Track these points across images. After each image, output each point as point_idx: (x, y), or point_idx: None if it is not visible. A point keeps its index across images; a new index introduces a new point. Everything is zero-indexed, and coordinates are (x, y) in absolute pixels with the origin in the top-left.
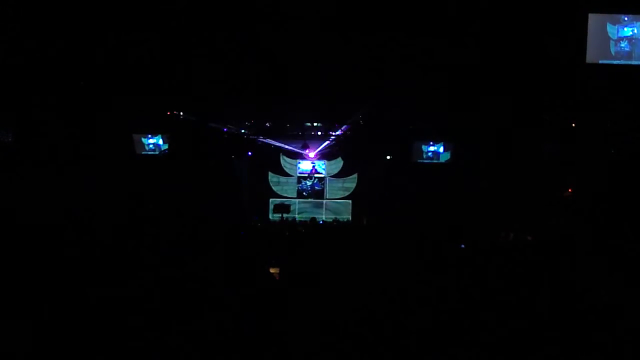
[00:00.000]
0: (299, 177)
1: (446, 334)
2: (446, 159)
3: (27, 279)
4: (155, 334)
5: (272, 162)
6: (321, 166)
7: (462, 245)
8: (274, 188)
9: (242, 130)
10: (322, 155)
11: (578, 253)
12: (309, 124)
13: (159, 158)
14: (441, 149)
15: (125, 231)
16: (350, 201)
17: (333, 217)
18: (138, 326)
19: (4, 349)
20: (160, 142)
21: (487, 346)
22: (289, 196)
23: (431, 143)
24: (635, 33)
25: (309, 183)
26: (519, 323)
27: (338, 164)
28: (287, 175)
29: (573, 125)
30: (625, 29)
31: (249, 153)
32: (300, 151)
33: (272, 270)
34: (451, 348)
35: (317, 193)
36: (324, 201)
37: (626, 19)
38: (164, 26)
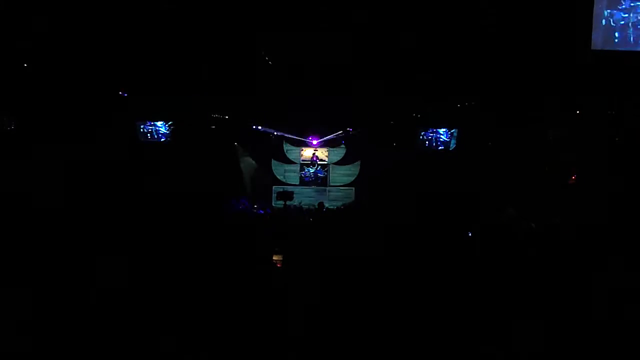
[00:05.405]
0: (302, 165)
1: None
2: (451, 146)
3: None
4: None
5: (275, 149)
6: (324, 153)
7: (470, 234)
8: (277, 175)
9: (245, 119)
10: (325, 143)
11: (581, 240)
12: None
13: (162, 145)
14: (446, 137)
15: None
16: (353, 188)
17: (337, 203)
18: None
19: None
20: (164, 129)
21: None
22: (293, 183)
23: (436, 130)
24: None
25: (312, 170)
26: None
27: (341, 151)
28: (291, 162)
29: (578, 112)
30: (631, 15)
31: (252, 140)
32: (303, 139)
33: (275, 258)
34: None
35: (320, 180)
36: (327, 188)
37: (632, 5)
38: (164, 22)
